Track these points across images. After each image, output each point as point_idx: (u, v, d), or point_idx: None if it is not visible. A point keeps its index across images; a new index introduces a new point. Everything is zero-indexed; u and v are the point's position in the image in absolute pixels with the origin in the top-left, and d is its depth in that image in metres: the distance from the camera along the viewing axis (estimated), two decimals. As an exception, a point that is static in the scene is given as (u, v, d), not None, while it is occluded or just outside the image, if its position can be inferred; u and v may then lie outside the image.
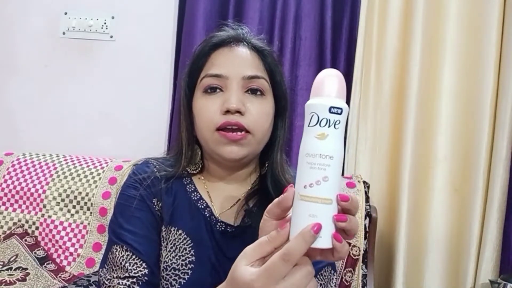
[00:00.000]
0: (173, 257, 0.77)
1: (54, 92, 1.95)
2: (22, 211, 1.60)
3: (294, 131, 1.71)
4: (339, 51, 1.76)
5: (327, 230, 0.51)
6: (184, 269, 0.77)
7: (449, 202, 1.65)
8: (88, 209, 1.58)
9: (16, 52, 1.97)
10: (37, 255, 1.51)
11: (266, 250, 0.52)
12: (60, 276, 1.45)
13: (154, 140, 1.87)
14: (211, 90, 0.77)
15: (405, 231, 1.61)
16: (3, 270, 1.42)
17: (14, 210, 1.61)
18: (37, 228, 1.58)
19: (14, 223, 1.59)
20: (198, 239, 0.78)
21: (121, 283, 0.73)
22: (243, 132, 0.74)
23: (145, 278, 0.74)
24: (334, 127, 0.52)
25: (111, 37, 1.92)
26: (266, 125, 0.78)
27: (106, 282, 0.75)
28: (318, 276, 0.77)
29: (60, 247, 1.56)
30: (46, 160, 1.68)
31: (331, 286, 0.79)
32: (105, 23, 1.92)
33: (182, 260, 0.77)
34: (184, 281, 0.76)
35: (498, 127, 1.57)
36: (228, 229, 0.80)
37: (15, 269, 1.44)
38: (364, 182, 1.55)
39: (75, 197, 1.59)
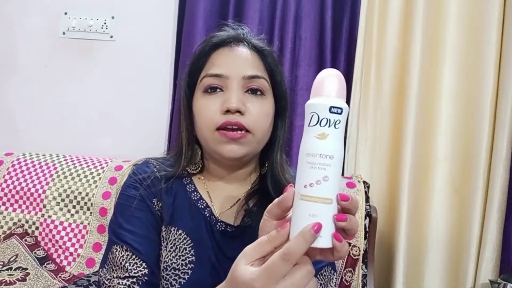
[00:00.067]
0: (173, 257, 0.77)
1: (54, 92, 1.95)
2: (22, 211, 1.60)
3: (294, 131, 1.71)
4: (339, 51, 1.76)
5: (327, 229, 0.51)
6: (184, 269, 0.77)
7: (449, 202, 1.65)
8: (88, 209, 1.58)
9: (16, 52, 1.97)
10: (37, 255, 1.51)
11: (266, 249, 0.52)
12: (60, 276, 1.45)
13: (154, 140, 1.87)
14: (211, 90, 0.77)
15: (405, 231, 1.61)
16: (3, 270, 1.42)
17: (14, 210, 1.61)
18: (37, 228, 1.58)
19: (14, 223, 1.59)
20: (198, 239, 0.78)
21: (121, 283, 0.73)
22: (243, 131, 0.74)
23: (145, 278, 0.74)
24: (334, 126, 0.52)
25: (111, 37, 1.93)
26: (266, 125, 0.78)
27: (106, 282, 0.75)
28: (318, 276, 0.77)
29: (60, 247, 1.56)
30: (46, 160, 1.68)
31: (331, 286, 0.79)
32: (105, 23, 1.92)
33: (182, 260, 0.77)
34: (184, 281, 0.76)
35: (498, 127, 1.57)
36: (228, 229, 0.80)
37: (15, 269, 1.44)
38: (364, 182, 1.55)
39: (75, 197, 1.59)
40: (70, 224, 1.58)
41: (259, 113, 0.76)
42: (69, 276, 1.47)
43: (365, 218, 1.47)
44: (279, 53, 1.72)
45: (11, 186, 1.62)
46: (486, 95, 1.59)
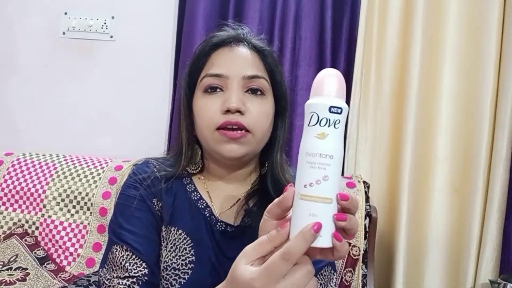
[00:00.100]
0: (173, 257, 0.77)
1: (54, 92, 1.95)
2: (22, 211, 1.60)
3: (294, 131, 1.71)
4: (339, 51, 1.76)
5: (327, 229, 0.51)
6: (184, 269, 0.77)
7: (449, 202, 1.65)
8: (88, 209, 1.58)
9: (16, 52, 1.97)
10: (37, 255, 1.51)
11: (266, 249, 0.52)
12: (60, 276, 1.45)
13: (154, 140, 1.87)
14: (212, 89, 0.77)
15: (405, 231, 1.61)
16: (3, 270, 1.42)
17: (14, 210, 1.61)
18: (37, 228, 1.58)
19: (14, 223, 1.59)
20: (198, 239, 0.78)
21: (121, 283, 0.73)
22: (243, 131, 0.74)
23: (145, 278, 0.74)
24: (334, 126, 0.52)
25: (111, 37, 1.93)
26: (266, 124, 0.78)
27: (106, 282, 0.75)
28: (318, 276, 0.77)
29: (60, 247, 1.56)
30: (46, 160, 1.68)
31: (331, 286, 0.79)
32: (105, 23, 1.92)
33: (182, 260, 0.77)
34: (184, 281, 0.76)
35: (498, 127, 1.57)
36: (228, 229, 0.80)
37: (15, 269, 1.44)
38: (364, 182, 1.55)
39: (75, 197, 1.59)
40: (70, 224, 1.58)
41: (259, 113, 0.77)
42: (69, 276, 1.47)
43: (365, 218, 1.47)
44: (279, 53, 1.72)
45: (11, 186, 1.62)
46: (486, 95, 1.59)
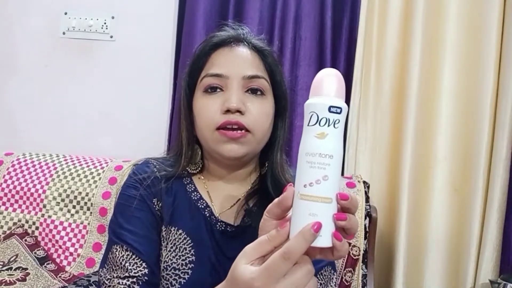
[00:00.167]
0: (173, 257, 0.77)
1: (54, 92, 1.95)
2: (22, 211, 1.60)
3: (294, 131, 1.71)
4: (339, 51, 1.76)
5: (327, 229, 0.51)
6: (184, 269, 0.77)
7: (449, 202, 1.65)
8: (88, 209, 1.58)
9: (16, 52, 1.97)
10: (37, 255, 1.51)
11: (266, 249, 0.52)
12: (60, 276, 1.45)
13: (154, 140, 1.87)
14: (212, 89, 0.77)
15: (405, 231, 1.61)
16: (3, 270, 1.42)
17: (14, 210, 1.61)
18: (37, 228, 1.58)
19: (14, 223, 1.59)
20: (198, 239, 0.78)
21: (121, 283, 0.73)
22: (243, 131, 0.74)
23: (145, 278, 0.74)
24: (334, 126, 0.52)
25: (111, 37, 1.93)
26: (266, 124, 0.78)
27: (106, 282, 0.75)
28: (318, 276, 0.77)
29: (60, 247, 1.56)
30: (46, 160, 1.68)
31: (331, 286, 0.79)
32: (105, 23, 1.92)
33: (182, 260, 0.77)
34: (184, 280, 0.76)
35: (498, 127, 1.57)
36: (228, 229, 0.80)
37: (15, 269, 1.44)
38: (364, 182, 1.55)
39: (75, 197, 1.59)
40: (70, 224, 1.58)
41: (259, 113, 0.77)
42: (69, 276, 1.47)
43: (365, 218, 1.47)
44: (279, 53, 1.72)
45: (11, 186, 1.62)
46: (486, 95, 1.59)
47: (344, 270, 1.39)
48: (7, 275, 1.40)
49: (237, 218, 0.80)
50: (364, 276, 1.44)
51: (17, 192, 1.62)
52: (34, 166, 1.66)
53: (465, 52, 1.65)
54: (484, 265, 1.54)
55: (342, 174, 1.68)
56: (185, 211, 0.80)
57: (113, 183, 1.59)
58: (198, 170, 0.84)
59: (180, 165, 0.82)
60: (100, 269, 0.78)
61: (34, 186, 1.61)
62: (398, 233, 1.62)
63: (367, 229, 1.47)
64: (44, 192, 1.60)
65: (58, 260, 1.54)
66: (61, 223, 1.58)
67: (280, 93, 0.82)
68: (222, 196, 0.83)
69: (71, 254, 1.55)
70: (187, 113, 0.81)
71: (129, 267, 0.74)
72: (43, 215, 1.59)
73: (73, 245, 1.56)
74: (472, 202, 1.58)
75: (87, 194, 1.59)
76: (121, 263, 0.74)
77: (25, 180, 1.63)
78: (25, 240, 1.54)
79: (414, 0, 1.65)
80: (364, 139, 1.73)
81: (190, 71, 0.82)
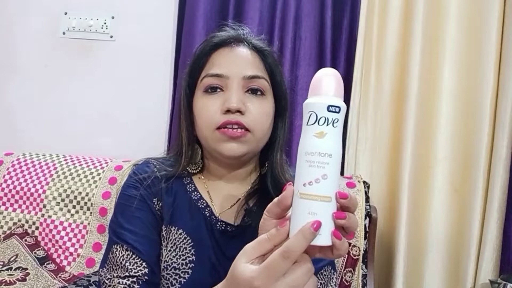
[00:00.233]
0: (174, 257, 0.77)
1: (54, 92, 1.95)
2: (22, 211, 1.60)
3: (294, 131, 1.71)
4: (339, 51, 1.76)
5: (327, 227, 0.51)
6: (184, 268, 0.77)
7: (449, 202, 1.65)
8: (88, 209, 1.58)
9: (16, 52, 1.97)
10: (37, 255, 1.51)
11: (265, 248, 0.52)
12: (60, 276, 1.45)
13: (154, 140, 1.87)
14: (212, 89, 0.77)
15: (405, 231, 1.61)
16: (3, 270, 1.42)
17: (14, 210, 1.61)
18: (37, 228, 1.58)
19: (14, 223, 1.59)
20: (198, 239, 0.79)
21: (121, 283, 0.73)
22: (243, 130, 0.75)
23: (145, 277, 0.74)
24: (333, 125, 0.52)
25: (111, 37, 1.93)
26: (266, 124, 0.78)
27: (106, 282, 0.75)
28: (318, 276, 0.77)
29: (60, 247, 1.56)
30: (46, 160, 1.68)
31: (331, 286, 0.79)
32: (105, 23, 1.92)
33: (182, 260, 0.77)
34: (184, 280, 0.76)
35: (498, 127, 1.57)
36: (228, 229, 0.80)
37: (15, 269, 1.44)
38: (364, 182, 1.55)
39: (75, 197, 1.59)
40: (70, 224, 1.58)
41: (259, 113, 0.77)
42: (69, 276, 1.47)
43: (365, 218, 1.47)
44: (279, 53, 1.72)
45: (11, 186, 1.62)
46: (486, 95, 1.59)
47: (344, 270, 1.39)
48: (7, 275, 1.40)
49: (237, 217, 0.81)
50: (364, 276, 1.44)
51: (17, 192, 1.62)
52: (34, 166, 1.66)
53: (465, 52, 1.65)
54: (484, 265, 1.54)
55: (342, 174, 1.68)
56: (185, 211, 0.80)
57: (113, 183, 1.59)
58: (198, 170, 0.84)
59: (180, 165, 0.82)
60: (100, 269, 0.78)
61: (34, 186, 1.61)
62: (398, 233, 1.62)
63: (367, 229, 1.47)
64: (44, 192, 1.60)
65: (58, 260, 1.54)
66: (61, 223, 1.58)
67: (280, 93, 0.82)
68: (222, 195, 0.83)
69: (71, 254, 1.55)
70: (187, 113, 0.81)
71: (129, 267, 0.74)
72: (43, 215, 1.59)
73: (73, 245, 1.56)
74: (472, 202, 1.58)
75: (87, 194, 1.59)
76: (121, 263, 0.75)
77: (25, 180, 1.63)
78: (25, 240, 1.54)
79: (414, 0, 1.65)
80: (364, 139, 1.73)
81: (190, 71, 0.82)
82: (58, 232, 1.57)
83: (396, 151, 1.69)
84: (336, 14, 1.76)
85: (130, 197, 0.79)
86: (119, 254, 0.75)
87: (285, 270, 0.50)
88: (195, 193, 0.82)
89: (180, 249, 0.78)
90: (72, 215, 1.59)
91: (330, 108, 0.52)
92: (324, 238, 0.51)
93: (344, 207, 0.53)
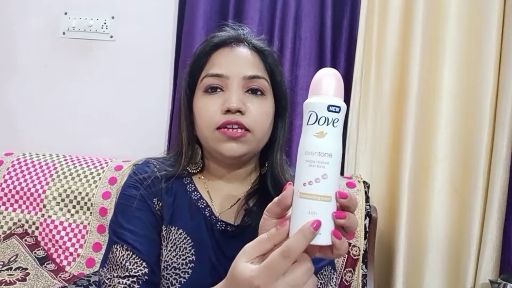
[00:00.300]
0: (174, 257, 0.77)
1: (54, 92, 1.95)
2: (22, 211, 1.60)
3: (294, 131, 1.71)
4: (339, 51, 1.76)
5: (327, 227, 0.51)
6: (184, 268, 0.77)
7: (449, 202, 1.65)
8: (88, 209, 1.58)
9: (16, 52, 1.97)
10: (37, 255, 1.51)
11: (265, 247, 0.52)
12: (60, 276, 1.45)
13: (154, 140, 1.87)
14: (212, 89, 0.77)
15: (405, 231, 1.61)
16: (3, 270, 1.42)
17: (14, 210, 1.61)
18: (37, 228, 1.58)
19: (14, 223, 1.59)
20: (198, 239, 0.79)
21: (121, 282, 0.73)
22: (243, 130, 0.75)
23: (145, 277, 0.74)
24: (333, 125, 0.52)
25: (111, 37, 1.93)
26: (266, 124, 0.78)
27: (107, 282, 0.75)
28: (319, 276, 0.77)
29: (60, 247, 1.56)
30: (46, 160, 1.68)
31: (331, 286, 0.79)
32: (105, 23, 1.92)
33: (183, 260, 0.77)
34: (185, 280, 0.76)
35: (498, 127, 1.57)
36: (228, 229, 0.80)
37: (15, 269, 1.44)
38: (364, 182, 1.55)
39: (75, 197, 1.59)
40: (70, 224, 1.58)
41: (259, 113, 0.77)
42: (69, 276, 1.47)
43: (365, 218, 1.47)
44: (279, 53, 1.72)
45: (11, 186, 1.62)
46: (486, 95, 1.59)
47: (344, 270, 1.39)
48: (7, 275, 1.40)
49: (237, 217, 0.81)
50: (364, 276, 1.44)
51: (17, 192, 1.62)
52: (34, 166, 1.66)
53: (465, 52, 1.65)
54: (484, 265, 1.54)
55: (342, 174, 1.68)
56: (185, 210, 0.81)
57: (113, 183, 1.59)
58: (198, 170, 0.84)
59: (180, 165, 0.82)
60: (101, 269, 0.78)
61: (34, 186, 1.61)
62: (398, 233, 1.62)
63: (367, 229, 1.47)
64: (44, 192, 1.60)
65: (58, 260, 1.54)
66: (61, 223, 1.58)
67: (280, 93, 0.82)
68: (222, 195, 0.83)
69: (71, 254, 1.55)
70: (187, 113, 0.81)
71: (130, 267, 0.74)
72: (43, 215, 1.59)
73: (73, 245, 1.56)
74: (472, 202, 1.58)
75: (87, 194, 1.59)
76: (121, 263, 0.75)
77: (25, 180, 1.63)
78: (25, 240, 1.54)
79: (414, 0, 1.65)
80: (364, 139, 1.73)
81: (190, 71, 0.82)
82: (58, 232, 1.57)
83: (396, 151, 1.69)
84: (336, 14, 1.76)
85: (130, 197, 0.79)
86: (119, 254, 0.75)
87: (285, 270, 0.50)
88: (195, 193, 0.82)
89: (180, 249, 0.78)
90: (72, 215, 1.59)
91: (330, 108, 0.52)
92: (324, 238, 0.51)
93: (344, 207, 0.53)
